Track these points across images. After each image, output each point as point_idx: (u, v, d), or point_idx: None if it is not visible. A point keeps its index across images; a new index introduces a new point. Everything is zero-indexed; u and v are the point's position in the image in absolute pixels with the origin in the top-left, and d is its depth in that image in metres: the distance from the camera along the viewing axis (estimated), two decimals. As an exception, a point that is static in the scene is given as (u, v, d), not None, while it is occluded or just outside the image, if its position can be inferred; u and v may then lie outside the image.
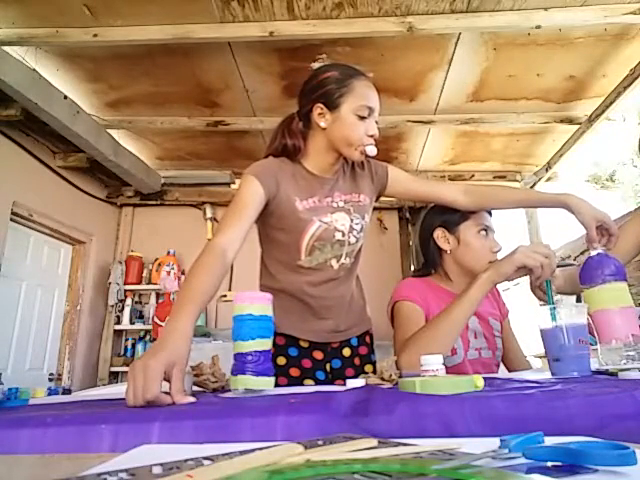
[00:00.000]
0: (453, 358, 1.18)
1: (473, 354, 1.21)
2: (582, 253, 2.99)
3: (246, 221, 1.03)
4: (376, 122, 1.13)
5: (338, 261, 1.18)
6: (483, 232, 1.25)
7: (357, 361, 1.25)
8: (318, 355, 1.19)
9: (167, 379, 0.68)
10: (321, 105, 1.12)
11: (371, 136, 1.11)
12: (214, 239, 0.98)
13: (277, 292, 1.10)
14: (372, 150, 1.11)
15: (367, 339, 1.30)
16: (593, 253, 0.96)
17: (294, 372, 1.15)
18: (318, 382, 1.16)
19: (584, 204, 1.10)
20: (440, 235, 1.29)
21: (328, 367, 1.21)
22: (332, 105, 1.11)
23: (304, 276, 1.16)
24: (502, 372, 1.30)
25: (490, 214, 1.30)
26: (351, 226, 1.18)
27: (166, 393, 0.66)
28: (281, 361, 1.16)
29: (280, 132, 1.20)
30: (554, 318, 0.82)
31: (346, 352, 1.24)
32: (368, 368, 1.23)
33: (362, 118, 1.09)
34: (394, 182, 1.26)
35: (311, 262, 1.15)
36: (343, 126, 1.11)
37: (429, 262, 1.34)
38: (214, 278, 0.90)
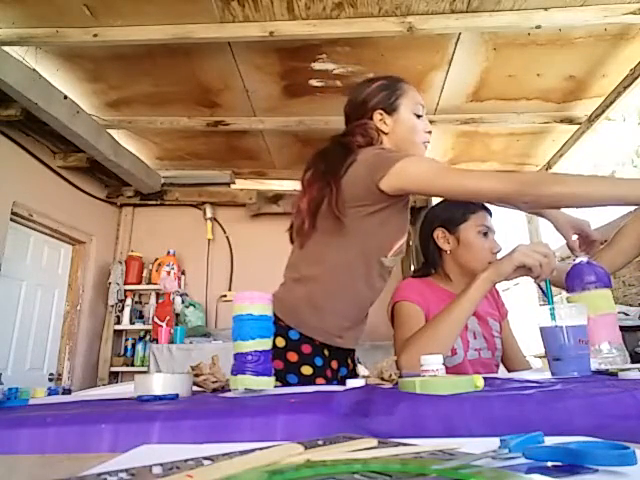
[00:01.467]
0: (453, 358, 1.18)
1: (473, 354, 1.21)
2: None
3: None
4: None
5: (393, 268, 1.19)
6: (483, 233, 1.25)
7: (351, 365, 1.24)
8: (334, 365, 1.17)
9: None
10: (380, 111, 1.17)
11: (428, 132, 1.19)
12: None
13: (339, 291, 1.10)
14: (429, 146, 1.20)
15: None
16: (576, 261, 0.96)
17: (320, 382, 1.08)
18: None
19: (560, 213, 1.13)
20: (440, 235, 1.29)
21: (338, 376, 1.18)
22: (390, 109, 1.17)
23: (378, 278, 1.14)
24: (502, 372, 1.30)
25: (490, 215, 1.30)
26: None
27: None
28: (307, 371, 1.06)
29: (352, 138, 1.16)
30: (553, 318, 0.82)
31: (349, 360, 1.23)
32: (356, 370, 1.24)
33: (419, 116, 1.18)
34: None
35: (390, 262, 1.15)
36: (405, 126, 1.17)
37: (429, 262, 1.34)
38: None
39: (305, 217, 1.11)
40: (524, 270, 1.00)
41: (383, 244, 1.12)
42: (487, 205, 1.30)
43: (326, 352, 1.11)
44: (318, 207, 1.09)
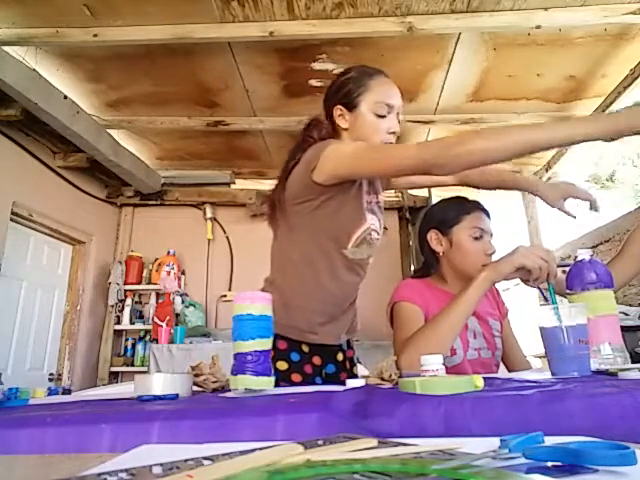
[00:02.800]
0: (453, 358, 1.18)
1: (472, 354, 1.21)
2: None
3: None
4: (399, 120, 1.14)
5: (368, 261, 1.20)
6: (476, 235, 1.23)
7: (348, 365, 1.24)
8: (317, 361, 1.17)
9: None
10: (340, 106, 1.15)
11: (392, 133, 1.12)
12: None
13: (304, 287, 1.13)
14: None
15: (351, 341, 1.30)
16: (579, 258, 0.96)
17: (296, 378, 1.11)
18: None
19: (548, 186, 1.21)
20: (433, 237, 1.29)
21: (323, 373, 1.19)
22: (351, 105, 1.14)
23: (344, 271, 1.15)
24: (502, 372, 1.30)
25: (488, 215, 1.29)
26: (379, 226, 1.20)
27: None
28: (282, 366, 1.10)
29: (308, 133, 1.19)
30: (559, 319, 0.82)
31: (339, 356, 1.23)
32: (355, 370, 1.24)
33: (381, 116, 1.11)
34: None
35: (354, 254, 1.14)
36: (363, 125, 1.13)
37: (427, 263, 1.34)
38: None
39: (267, 218, 1.20)
40: (524, 272, 1.00)
41: (339, 236, 1.12)
42: (484, 206, 1.29)
43: (305, 348, 1.14)
44: (274, 207, 1.16)
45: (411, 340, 1.06)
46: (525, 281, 1.03)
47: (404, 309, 1.19)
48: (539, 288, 1.02)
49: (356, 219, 1.13)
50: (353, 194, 1.12)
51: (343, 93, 1.15)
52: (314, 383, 1.13)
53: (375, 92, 1.12)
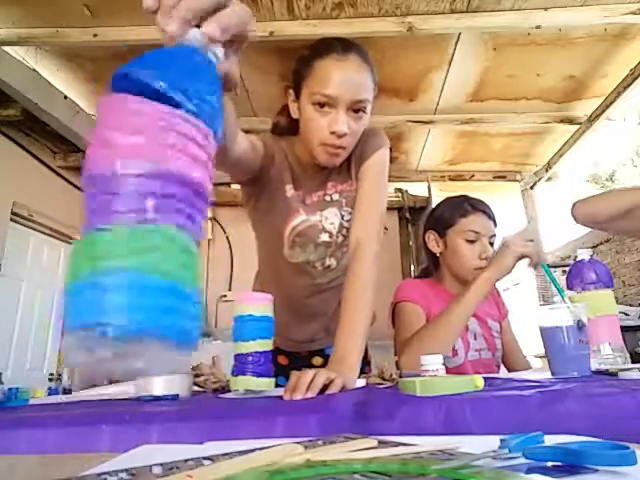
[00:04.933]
0: (454, 359, 1.18)
1: (473, 355, 1.21)
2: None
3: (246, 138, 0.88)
4: (363, 111, 0.88)
5: (323, 264, 1.06)
6: (470, 238, 1.21)
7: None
8: (283, 360, 1.14)
9: None
10: (290, 91, 0.95)
11: (332, 133, 0.87)
12: None
13: (264, 288, 1.04)
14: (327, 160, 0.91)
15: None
16: (578, 258, 0.96)
17: None
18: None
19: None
20: (431, 238, 1.29)
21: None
22: (296, 91, 0.92)
23: (288, 274, 1.06)
24: (502, 372, 1.30)
25: (489, 217, 1.25)
26: (341, 224, 1.02)
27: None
28: None
29: (281, 108, 1.07)
30: (562, 295, 0.83)
31: (316, 361, 1.18)
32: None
33: (321, 107, 0.86)
34: (359, 179, 0.99)
35: (292, 257, 1.03)
36: (302, 120, 0.91)
37: (429, 263, 1.34)
38: None
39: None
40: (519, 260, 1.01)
41: (273, 238, 1.02)
42: (486, 206, 1.26)
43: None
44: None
45: (412, 340, 1.06)
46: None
47: (406, 309, 1.19)
48: (539, 268, 1.03)
49: (278, 219, 1.00)
50: (274, 191, 0.97)
51: (292, 72, 0.94)
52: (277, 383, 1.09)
53: (318, 76, 0.86)
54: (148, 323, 0.26)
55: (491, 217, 1.26)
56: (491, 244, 1.24)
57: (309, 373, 0.64)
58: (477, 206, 1.25)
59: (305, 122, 0.90)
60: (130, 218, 0.27)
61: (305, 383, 0.62)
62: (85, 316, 0.26)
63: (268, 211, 1.01)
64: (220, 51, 0.39)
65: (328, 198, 1.01)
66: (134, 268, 0.26)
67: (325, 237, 1.02)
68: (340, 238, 1.03)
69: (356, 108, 0.88)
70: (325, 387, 0.63)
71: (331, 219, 1.01)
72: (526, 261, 1.03)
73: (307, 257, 1.03)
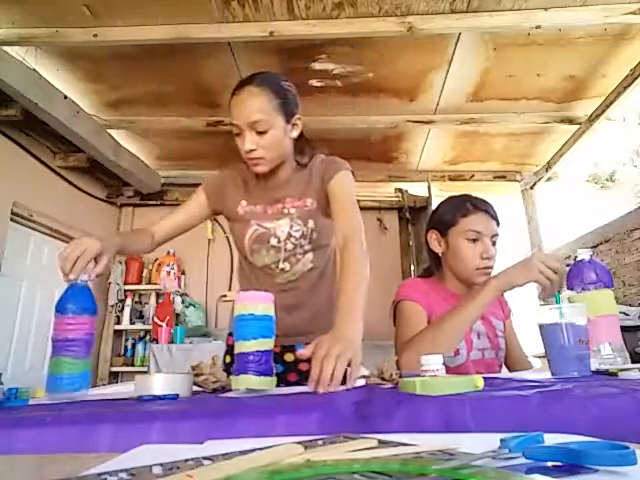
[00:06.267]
0: (456, 358, 1.17)
1: (476, 354, 1.21)
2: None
3: (177, 216, 1.22)
4: (263, 132, 1.08)
5: (277, 266, 1.19)
6: (472, 239, 1.20)
7: (304, 367, 1.14)
8: None
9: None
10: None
11: (245, 151, 1.09)
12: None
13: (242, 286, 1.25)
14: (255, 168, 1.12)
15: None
16: (578, 258, 0.95)
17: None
18: None
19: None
20: (433, 237, 1.28)
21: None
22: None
23: (255, 274, 1.23)
24: (503, 371, 1.30)
25: (491, 216, 1.24)
26: (289, 232, 1.17)
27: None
28: (227, 359, 1.24)
29: None
30: (562, 316, 0.81)
31: (288, 357, 1.19)
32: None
33: (237, 135, 1.11)
34: (330, 195, 1.15)
35: (255, 262, 1.21)
36: None
37: (431, 263, 1.34)
38: (136, 235, 1.19)
39: None
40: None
41: (239, 248, 1.23)
42: (488, 206, 1.25)
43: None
44: None
45: (413, 342, 1.06)
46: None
47: (407, 308, 1.19)
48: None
49: (236, 235, 1.22)
50: (234, 213, 1.21)
51: None
52: None
53: (230, 113, 1.12)
54: None
55: (493, 217, 1.25)
56: (493, 244, 1.23)
57: (330, 363, 0.70)
58: (479, 205, 1.24)
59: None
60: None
61: (328, 376, 0.69)
62: None
63: (232, 229, 1.25)
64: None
65: (285, 211, 1.18)
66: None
67: (274, 241, 1.18)
68: (289, 245, 1.18)
69: (256, 128, 1.08)
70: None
71: (282, 227, 1.18)
72: (538, 287, 1.00)
73: (263, 260, 1.20)
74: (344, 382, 0.72)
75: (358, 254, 0.98)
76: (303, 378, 1.11)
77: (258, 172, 1.14)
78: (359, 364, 0.77)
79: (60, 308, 0.84)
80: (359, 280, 0.93)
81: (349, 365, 0.73)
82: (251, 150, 1.08)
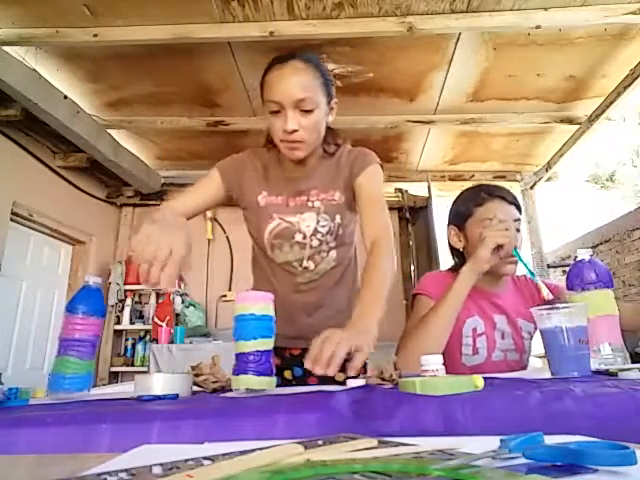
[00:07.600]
0: (474, 358, 1.12)
1: (499, 355, 1.16)
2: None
3: (197, 198, 1.11)
4: (308, 112, 0.98)
5: (300, 265, 1.11)
6: (488, 225, 1.15)
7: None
8: (275, 360, 1.13)
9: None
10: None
11: (285, 130, 0.98)
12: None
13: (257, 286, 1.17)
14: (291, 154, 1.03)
15: None
16: (578, 258, 0.96)
17: None
18: None
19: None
20: (452, 233, 1.25)
21: (288, 374, 1.15)
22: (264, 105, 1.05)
23: (274, 271, 1.14)
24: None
25: (508, 202, 1.18)
26: (315, 228, 1.09)
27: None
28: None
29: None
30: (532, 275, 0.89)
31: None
32: (339, 377, 1.01)
33: (274, 113, 0.99)
34: (357, 190, 1.09)
35: (275, 258, 1.12)
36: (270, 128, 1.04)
37: (454, 261, 1.29)
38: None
39: None
40: (496, 251, 1.04)
41: (257, 242, 1.15)
42: (501, 193, 1.19)
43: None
44: None
45: (405, 338, 1.07)
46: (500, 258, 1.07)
47: (420, 302, 1.17)
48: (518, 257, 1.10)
49: (254, 227, 1.14)
50: (254, 204, 1.12)
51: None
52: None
53: (267, 87, 1.00)
54: None
55: (511, 201, 1.19)
56: (517, 230, 1.17)
57: (332, 343, 0.67)
58: (493, 192, 1.19)
59: (270, 130, 1.03)
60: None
61: (325, 357, 0.66)
62: None
63: (250, 220, 1.15)
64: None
65: (310, 204, 1.10)
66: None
67: (299, 237, 1.09)
68: (315, 242, 1.10)
69: (301, 107, 0.98)
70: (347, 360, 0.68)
71: (308, 222, 1.09)
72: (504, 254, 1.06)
73: (285, 257, 1.11)
74: (344, 369, 0.68)
75: (387, 252, 0.96)
76: (323, 382, 1.08)
77: (295, 158, 1.04)
78: (366, 352, 0.72)
79: (71, 308, 0.83)
80: (385, 274, 0.91)
81: (355, 352, 0.70)
82: (294, 131, 0.98)
